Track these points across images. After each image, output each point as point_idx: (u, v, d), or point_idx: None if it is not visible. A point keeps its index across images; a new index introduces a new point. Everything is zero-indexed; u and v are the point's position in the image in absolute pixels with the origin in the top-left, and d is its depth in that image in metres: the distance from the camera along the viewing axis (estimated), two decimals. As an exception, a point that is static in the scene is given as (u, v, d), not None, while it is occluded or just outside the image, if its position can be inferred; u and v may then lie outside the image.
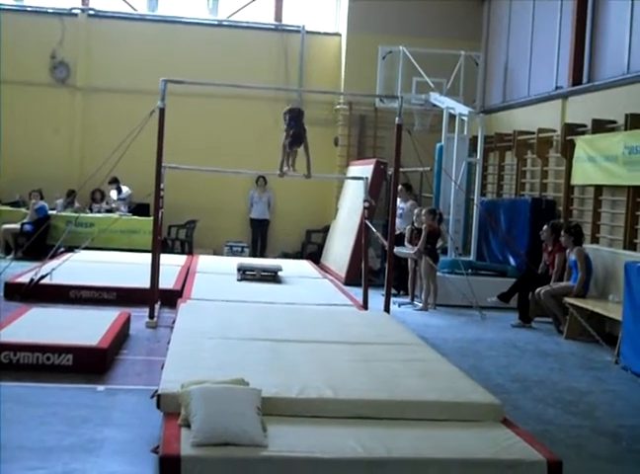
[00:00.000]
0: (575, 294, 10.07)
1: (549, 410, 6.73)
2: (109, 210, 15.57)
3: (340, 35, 16.89)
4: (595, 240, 11.18)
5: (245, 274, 11.86)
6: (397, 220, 11.58)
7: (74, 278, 10.79)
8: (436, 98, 14.29)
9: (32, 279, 10.36)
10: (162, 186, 9.47)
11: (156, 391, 5.19)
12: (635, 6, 11.02)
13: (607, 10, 11.86)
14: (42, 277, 10.35)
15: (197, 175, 14.23)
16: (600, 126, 11.20)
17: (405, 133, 9.90)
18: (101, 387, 6.52)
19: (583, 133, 11.65)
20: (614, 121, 11.05)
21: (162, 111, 9.21)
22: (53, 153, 16.30)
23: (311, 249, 16.66)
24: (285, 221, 16.53)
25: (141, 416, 5.73)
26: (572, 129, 11.88)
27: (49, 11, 16.42)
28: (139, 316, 9.15)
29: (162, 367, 5.89)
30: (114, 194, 15.79)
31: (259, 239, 16.28)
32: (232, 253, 15.90)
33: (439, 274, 11.95)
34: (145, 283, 9.49)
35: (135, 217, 14.88)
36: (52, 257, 11.41)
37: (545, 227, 11.02)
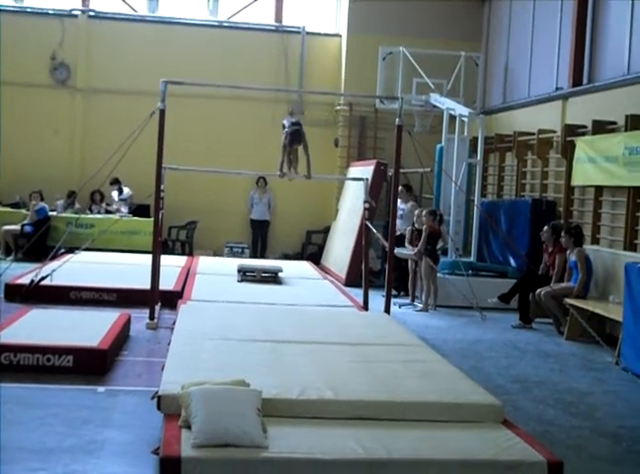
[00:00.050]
0: (575, 295, 10.07)
1: (550, 411, 6.72)
2: (108, 211, 15.57)
3: (340, 36, 16.89)
4: (595, 241, 11.18)
5: (245, 275, 11.86)
6: (397, 221, 11.59)
7: (74, 280, 10.79)
8: (436, 99, 14.29)
9: (32, 281, 10.36)
10: (162, 187, 9.48)
11: (156, 392, 5.19)
12: (635, 7, 11.02)
13: (608, 11, 11.87)
14: (43, 279, 10.36)
15: (197, 176, 14.25)
16: (601, 127, 11.20)
17: (405, 134, 9.90)
18: (101, 388, 6.52)
19: (583, 134, 11.66)
20: (615, 122, 11.05)
21: (162, 112, 9.22)
22: (54, 154, 16.30)
23: (311, 250, 16.66)
24: (286, 222, 16.53)
25: (142, 417, 5.73)
26: (572, 130, 11.88)
27: (50, 12, 16.42)
28: (140, 317, 9.15)
29: (162, 369, 5.90)
30: (115, 194, 15.80)
31: (259, 240, 16.29)
32: (232, 254, 15.90)
33: (439, 274, 11.95)
34: (146, 285, 9.49)
35: (136, 218, 14.88)
36: (53, 258, 11.41)
37: (546, 228, 11.02)
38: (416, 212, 12.49)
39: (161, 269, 9.61)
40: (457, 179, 12.61)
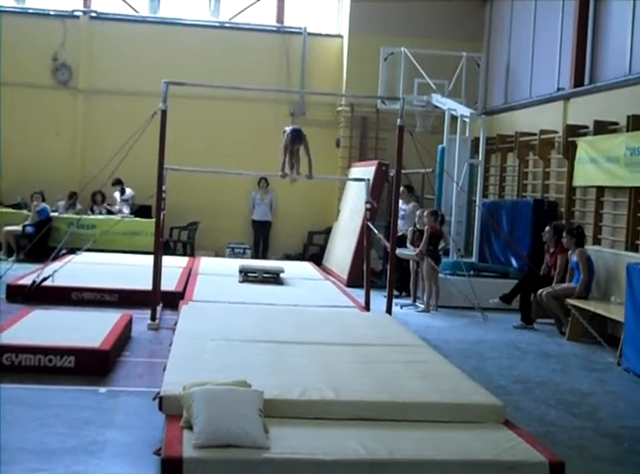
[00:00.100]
0: (577, 296, 10.06)
1: (551, 411, 6.72)
2: (109, 212, 15.58)
3: (341, 36, 16.89)
4: (596, 241, 11.17)
5: (247, 275, 11.86)
6: (399, 222, 11.58)
7: (76, 280, 10.79)
8: (437, 99, 14.29)
9: (34, 281, 10.36)
10: (164, 187, 9.49)
11: (158, 393, 5.19)
12: (637, 7, 11.01)
13: (609, 11, 11.86)
14: (44, 279, 10.36)
15: (198, 177, 14.26)
16: (602, 128, 11.19)
17: (407, 135, 9.90)
18: (103, 389, 6.52)
19: (585, 135, 11.65)
20: (616, 123, 11.05)
21: (164, 113, 9.22)
22: (55, 155, 16.31)
23: (313, 250, 16.65)
24: (287, 223, 16.53)
25: (143, 418, 5.73)
26: (574, 131, 11.88)
27: (51, 13, 16.43)
28: (141, 318, 9.15)
29: (164, 369, 5.90)
30: (117, 195, 15.81)
31: (261, 241, 16.29)
32: (234, 254, 15.90)
33: (440, 275, 11.94)
34: (147, 285, 9.48)
35: (137, 219, 14.89)
36: (54, 259, 11.40)
37: (547, 228, 11.01)
38: (417, 213, 12.49)
39: (163, 269, 9.61)
40: (459, 179, 12.60)
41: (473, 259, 12.95)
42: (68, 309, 9.52)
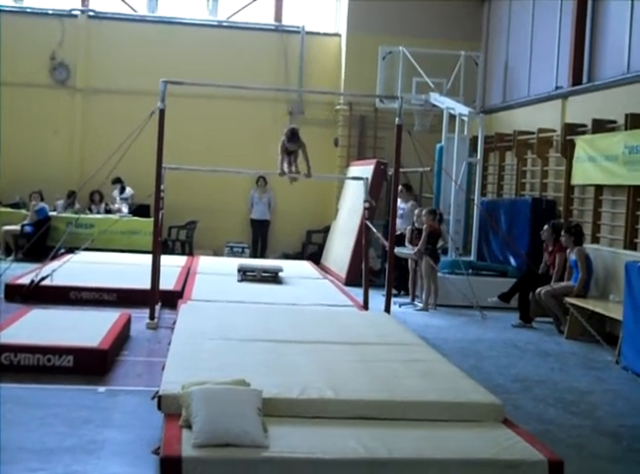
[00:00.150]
0: (575, 294, 10.07)
1: (550, 410, 6.72)
2: (108, 211, 15.58)
3: (340, 35, 16.89)
4: (595, 240, 11.18)
5: (245, 274, 11.86)
6: (397, 221, 11.59)
7: (75, 280, 10.79)
8: (436, 98, 14.29)
9: (32, 281, 10.36)
10: (162, 187, 9.48)
11: (157, 392, 5.19)
12: (635, 6, 11.02)
13: (607, 10, 11.87)
14: (43, 279, 10.36)
15: (197, 176, 14.25)
16: (601, 126, 11.20)
17: (405, 134, 9.90)
18: (101, 388, 6.52)
19: (583, 133, 11.65)
20: (614, 121, 11.05)
21: (162, 112, 9.21)
22: (53, 154, 16.30)
23: (312, 249, 16.66)
24: (286, 222, 16.53)
25: (142, 417, 5.73)
26: (572, 129, 11.88)
27: (49, 12, 16.42)
28: (140, 317, 9.15)
29: (163, 368, 5.90)
30: (117, 193, 15.80)
31: (259, 240, 16.29)
32: (233, 254, 15.89)
33: (439, 274, 11.95)
34: (146, 284, 9.48)
35: (136, 218, 14.88)
36: (53, 258, 11.41)
37: (546, 227, 11.02)
38: (416, 212, 12.49)
39: (161, 268, 9.61)
40: (457, 178, 12.61)
41: (472, 257, 12.96)
42: (67, 308, 9.52)
